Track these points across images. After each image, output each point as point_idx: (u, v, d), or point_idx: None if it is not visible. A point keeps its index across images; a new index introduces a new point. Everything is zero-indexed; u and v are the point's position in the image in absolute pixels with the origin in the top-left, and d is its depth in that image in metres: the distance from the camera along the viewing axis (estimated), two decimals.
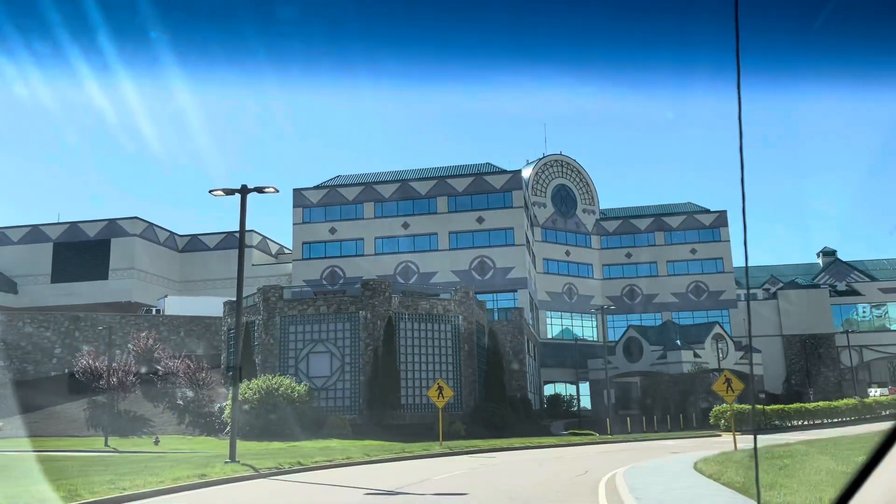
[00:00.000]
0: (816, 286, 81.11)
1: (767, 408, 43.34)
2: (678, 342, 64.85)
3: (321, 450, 28.87)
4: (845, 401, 49.53)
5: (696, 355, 64.03)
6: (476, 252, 65.91)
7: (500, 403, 45.32)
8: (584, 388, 76.21)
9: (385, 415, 41.56)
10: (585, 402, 74.95)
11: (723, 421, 41.98)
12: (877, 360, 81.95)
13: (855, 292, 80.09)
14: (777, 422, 43.41)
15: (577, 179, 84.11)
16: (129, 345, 48.39)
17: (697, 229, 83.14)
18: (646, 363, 65.99)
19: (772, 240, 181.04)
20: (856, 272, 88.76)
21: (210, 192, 22.37)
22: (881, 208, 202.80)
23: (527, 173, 77.53)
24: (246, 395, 38.88)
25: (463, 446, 28.51)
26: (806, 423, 44.98)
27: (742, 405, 43.74)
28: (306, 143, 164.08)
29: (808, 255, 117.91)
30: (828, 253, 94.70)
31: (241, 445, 34.85)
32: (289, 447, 32.27)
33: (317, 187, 70.41)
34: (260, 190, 22.93)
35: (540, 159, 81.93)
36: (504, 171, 68.35)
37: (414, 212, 67.72)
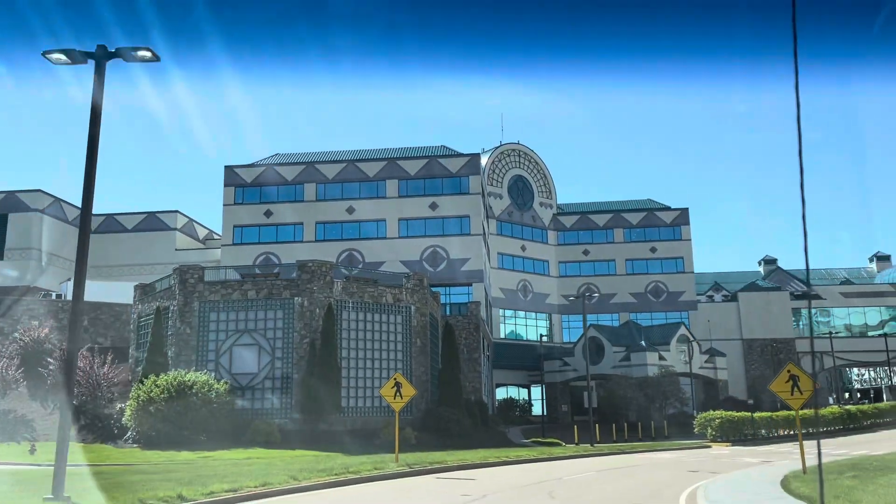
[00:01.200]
0: (778, 288, 78.17)
1: (756, 415, 38.80)
2: (643, 343, 60.35)
3: (236, 464, 22.53)
4: (830, 409, 45.63)
5: (661, 357, 59.62)
6: (428, 241, 60.02)
7: (455, 408, 39.50)
8: (538, 391, 71.27)
9: (322, 419, 35.23)
10: (538, 407, 69.96)
11: (709, 429, 37.19)
12: (830, 368, 79.60)
13: (816, 296, 77.44)
14: (763, 431, 38.93)
15: (535, 171, 79.21)
16: (16, 333, 40.66)
17: (658, 227, 79.26)
18: (607, 365, 61.28)
19: (714, 248, 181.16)
20: (796, 280, 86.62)
21: (43, 54, 14.20)
22: (816, 219, 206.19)
23: (482, 162, 72.16)
24: (152, 395, 32.04)
25: (425, 462, 22.46)
26: (792, 432, 40.59)
27: (729, 412, 39.13)
28: (250, 123, 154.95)
29: (747, 264, 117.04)
30: (769, 261, 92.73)
31: (139, 456, 28.04)
32: (198, 459, 25.73)
33: (252, 165, 63.34)
34: (128, 55, 13.75)
35: (496, 148, 76.68)
36: (460, 155, 62.74)
37: (360, 195, 61.40)
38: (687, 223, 79.03)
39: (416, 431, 35.66)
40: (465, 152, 63.18)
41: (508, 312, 73.74)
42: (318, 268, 37.71)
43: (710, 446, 35.08)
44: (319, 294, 37.26)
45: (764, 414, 39.85)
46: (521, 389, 71.75)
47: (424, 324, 41.40)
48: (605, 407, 58.17)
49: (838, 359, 75.77)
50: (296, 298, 37.09)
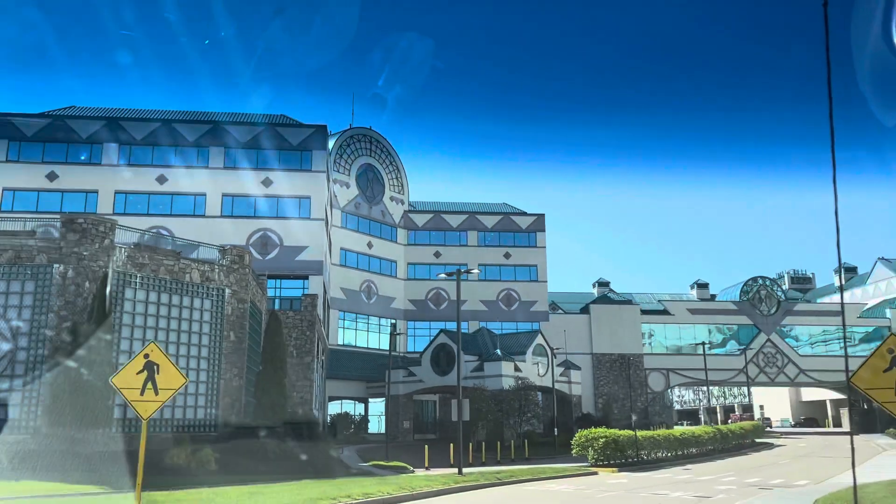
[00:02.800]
0: (629, 301, 75.79)
1: (640, 434, 33.09)
2: (497, 352, 54.13)
3: None
4: (704, 428, 41.45)
5: (517, 368, 53.70)
6: (258, 223, 50.27)
7: (278, 422, 30.38)
8: (376, 406, 63.19)
9: (84, 435, 24.79)
10: (376, 424, 61.94)
11: (591, 451, 30.85)
12: (675, 385, 78.61)
13: (666, 312, 75.84)
14: (644, 454, 33.31)
15: (387, 162, 71.67)
16: None
17: (513, 232, 74.40)
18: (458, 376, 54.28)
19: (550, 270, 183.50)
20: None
21: None
22: (638, 251, 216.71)
23: (329, 146, 63.55)
24: None
25: None
26: (670, 454, 35.52)
27: (612, 430, 33.17)
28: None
29: (580, 287, 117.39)
30: (602, 284, 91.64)
31: None
32: None
33: (37, 115, 50.39)
34: None
35: (345, 131, 68.36)
36: (305, 125, 53.66)
37: (175, 163, 50.44)
38: (543, 230, 74.87)
39: (219, 453, 26.21)
40: (309, 123, 54.07)
41: (349, 316, 65.21)
42: (92, 226, 27.26)
43: (596, 472, 28.68)
44: (92, 262, 26.87)
45: (647, 433, 34.38)
46: (357, 404, 63.32)
47: (243, 314, 32.03)
48: (455, 423, 51.16)
49: (682, 376, 74.46)
50: (56, 266, 26.45)
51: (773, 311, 76.29)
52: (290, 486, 19.78)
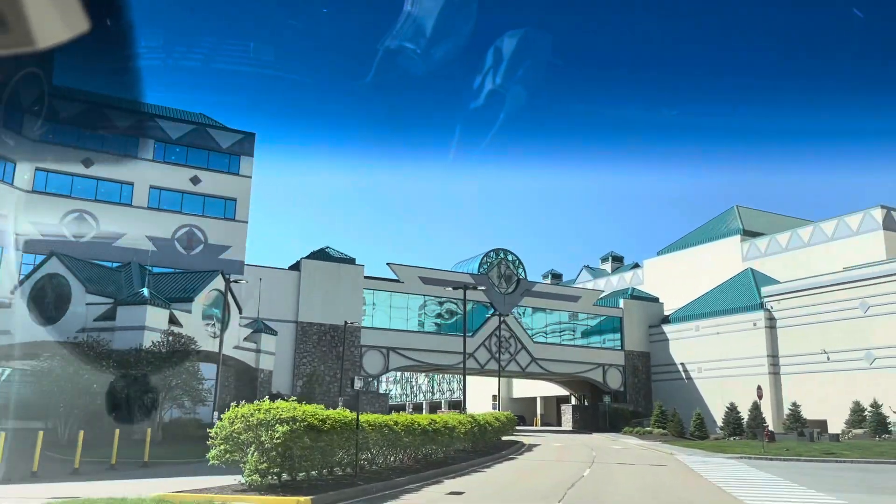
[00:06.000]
0: (352, 261, 59.94)
1: (365, 419, 16.22)
2: (144, 292, 34.20)
3: None
4: (456, 417, 26.19)
5: (174, 321, 34.37)
6: None
7: None
8: None
9: None
10: None
11: (255, 454, 13.00)
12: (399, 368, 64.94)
13: (395, 280, 61.44)
14: (367, 459, 16.78)
15: None
16: None
17: (208, 150, 54.37)
18: (72, 326, 33.30)
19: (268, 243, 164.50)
20: None
21: None
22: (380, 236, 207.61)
23: None
24: None
25: None
26: (407, 458, 19.50)
27: (310, 406, 16.11)
28: None
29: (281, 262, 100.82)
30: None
31: None
32: None
33: None
34: None
35: None
36: None
37: None
38: (250, 154, 55.94)
39: None
40: None
41: None
42: None
43: None
44: None
45: (378, 418, 17.41)
46: None
47: None
48: (49, 403, 30.26)
49: (404, 357, 60.70)
50: None
51: (512, 289, 66.07)
52: None
